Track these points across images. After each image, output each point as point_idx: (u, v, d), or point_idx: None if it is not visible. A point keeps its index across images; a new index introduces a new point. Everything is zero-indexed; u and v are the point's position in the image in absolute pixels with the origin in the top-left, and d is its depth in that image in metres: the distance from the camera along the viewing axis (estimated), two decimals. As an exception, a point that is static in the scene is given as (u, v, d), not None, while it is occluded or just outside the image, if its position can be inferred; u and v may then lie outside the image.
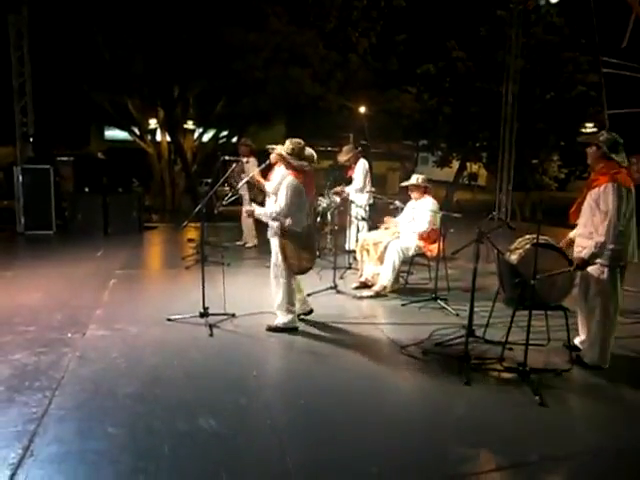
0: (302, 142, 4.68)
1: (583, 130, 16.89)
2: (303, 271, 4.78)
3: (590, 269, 4.05)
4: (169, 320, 4.96)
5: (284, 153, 4.62)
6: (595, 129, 16.94)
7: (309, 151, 4.72)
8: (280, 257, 4.68)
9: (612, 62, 8.68)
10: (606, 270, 4.01)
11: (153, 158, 16.08)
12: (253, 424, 3.30)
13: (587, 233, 4.05)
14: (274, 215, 4.60)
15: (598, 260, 3.97)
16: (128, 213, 10.26)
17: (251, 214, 4.87)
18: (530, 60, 14.28)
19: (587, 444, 3.22)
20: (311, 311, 5.12)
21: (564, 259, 4.08)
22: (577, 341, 4.41)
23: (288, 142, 4.67)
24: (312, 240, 4.81)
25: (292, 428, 3.26)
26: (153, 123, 16.03)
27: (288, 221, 4.58)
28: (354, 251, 6.78)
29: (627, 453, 3.10)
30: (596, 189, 4.00)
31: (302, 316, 5.04)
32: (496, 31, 14.69)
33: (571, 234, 4.32)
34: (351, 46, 15.84)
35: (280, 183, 4.67)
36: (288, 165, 4.64)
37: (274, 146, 4.79)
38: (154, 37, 12.42)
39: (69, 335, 4.59)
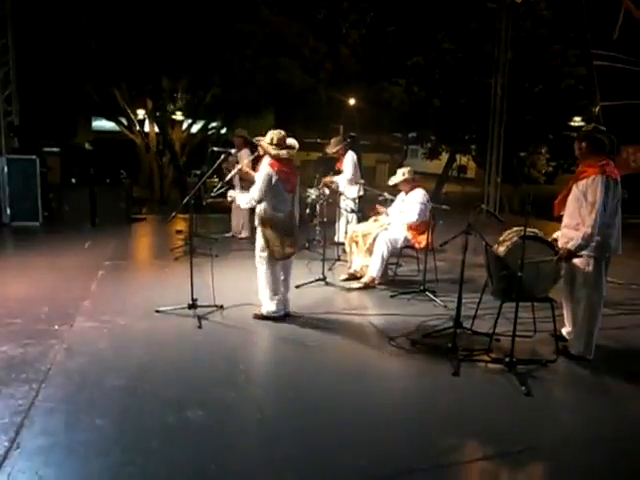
0: (283, 132, 4.79)
1: (571, 123, 17.00)
2: (285, 257, 4.82)
3: (576, 260, 4.09)
4: (157, 312, 4.94)
5: (263, 143, 4.73)
6: (583, 122, 17.05)
7: (290, 141, 4.80)
8: (262, 244, 4.74)
9: (604, 54, 8.73)
10: (592, 261, 4.06)
11: (141, 149, 15.94)
12: (242, 417, 3.30)
13: (574, 224, 4.08)
14: (247, 200, 4.76)
15: (584, 252, 4.01)
16: (116, 204, 10.16)
17: (233, 199, 5.11)
18: (519, 53, 14.31)
19: (572, 434, 3.27)
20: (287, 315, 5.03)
21: (551, 251, 4.11)
22: (564, 332, 4.46)
23: (269, 132, 4.79)
24: (293, 226, 4.87)
25: (281, 420, 3.27)
26: (141, 114, 15.88)
27: (263, 206, 4.68)
28: (343, 243, 6.79)
29: (612, 443, 3.15)
30: (584, 180, 4.02)
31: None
32: (486, 24, 14.69)
33: (556, 234, 4.35)
34: (341, 37, 15.78)
35: None
36: (268, 154, 4.73)
37: (260, 138, 4.83)
38: (142, 26, 12.27)
39: (56, 327, 4.56)
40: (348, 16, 15.99)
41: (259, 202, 4.70)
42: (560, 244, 4.16)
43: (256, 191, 4.67)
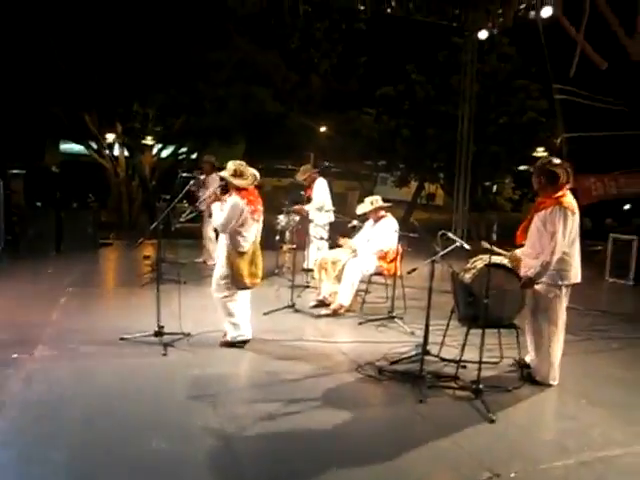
0: (243, 163, 4.83)
1: (535, 154, 17.53)
2: (249, 286, 4.82)
3: (538, 288, 4.19)
4: (122, 339, 4.83)
5: (226, 175, 4.75)
6: (546, 153, 17.62)
7: (251, 170, 4.83)
8: (225, 272, 4.72)
9: (564, 89, 9.13)
10: (552, 289, 4.16)
11: (110, 173, 15.75)
12: (208, 447, 3.22)
13: (534, 254, 4.20)
14: (216, 225, 4.79)
15: (544, 279, 4.12)
16: (83, 229, 9.96)
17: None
18: (485, 86, 14.80)
19: (537, 461, 3.29)
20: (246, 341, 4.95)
21: (516, 278, 4.21)
22: (527, 359, 4.53)
23: (230, 164, 4.81)
24: (259, 256, 4.88)
25: (248, 450, 3.21)
26: (111, 138, 15.75)
27: (231, 235, 4.68)
28: (312, 270, 6.80)
29: (574, 469, 3.18)
30: (543, 211, 4.17)
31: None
32: (453, 57, 15.18)
33: (517, 252, 4.47)
34: (313, 66, 16.06)
35: None
36: (231, 185, 4.76)
37: (222, 173, 4.86)
38: (113, 50, 12.25)
39: (14, 355, 4.39)
40: (320, 46, 16.29)
41: (225, 231, 4.70)
42: (521, 273, 4.27)
43: (224, 219, 4.67)
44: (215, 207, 4.90)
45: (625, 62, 8.34)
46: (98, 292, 7.20)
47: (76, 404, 3.60)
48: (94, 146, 15.66)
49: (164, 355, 4.54)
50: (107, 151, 15.51)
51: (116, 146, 15.97)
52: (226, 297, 4.79)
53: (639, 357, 5.25)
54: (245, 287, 4.80)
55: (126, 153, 15.70)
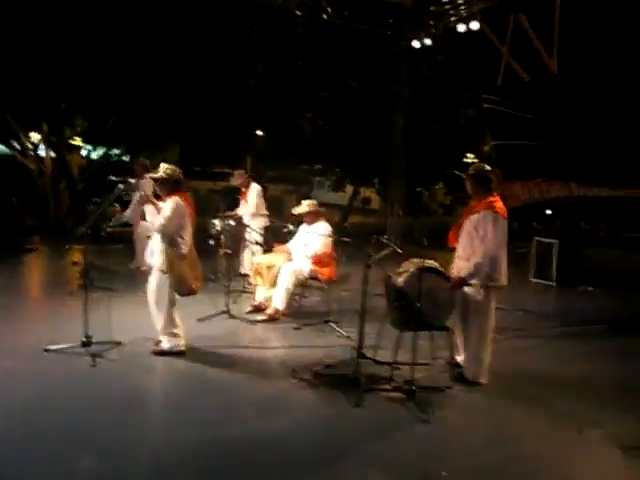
0: (172, 166, 4.78)
1: (465, 160, 18.23)
2: (194, 291, 4.72)
3: (467, 290, 4.35)
4: (46, 351, 4.59)
5: (164, 175, 4.66)
6: (476, 159, 18.36)
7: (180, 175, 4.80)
8: (165, 278, 4.59)
9: (491, 99, 9.56)
10: (482, 291, 4.33)
11: (35, 174, 14.99)
12: (138, 461, 3.11)
13: (466, 256, 4.37)
14: (157, 226, 4.58)
15: (474, 281, 4.28)
16: (4, 234, 9.43)
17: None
18: (418, 93, 15.22)
19: (468, 458, 3.40)
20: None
21: (447, 282, 4.35)
22: (459, 359, 4.69)
23: (165, 166, 4.73)
24: (197, 260, 4.82)
25: (179, 462, 3.13)
26: (36, 138, 15.00)
27: (172, 239, 4.56)
28: (248, 275, 6.74)
29: (504, 464, 3.32)
30: (475, 215, 4.34)
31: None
32: (387, 65, 15.52)
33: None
34: (249, 70, 15.94)
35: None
36: (165, 187, 4.70)
37: (153, 175, 4.78)
38: (37, 47, 11.68)
39: None
40: (256, 49, 16.21)
41: (165, 231, 4.55)
42: (454, 274, 4.42)
43: (166, 220, 4.53)
44: (149, 210, 4.77)
45: (545, 76, 8.85)
46: (22, 301, 6.80)
47: (-5, 421, 3.40)
48: (17, 146, 14.87)
49: (92, 366, 4.36)
50: (32, 152, 14.77)
51: (41, 146, 15.23)
52: (167, 304, 4.64)
53: (560, 354, 5.56)
54: (190, 292, 4.69)
55: (52, 154, 15.00)
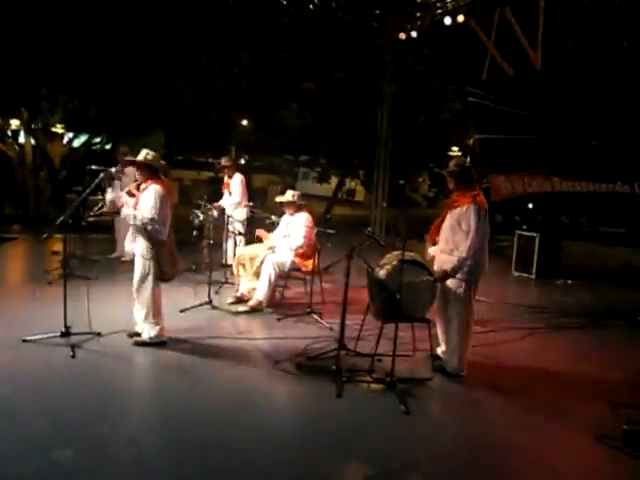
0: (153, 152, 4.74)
1: (450, 153, 18.31)
2: (173, 277, 4.77)
3: (449, 283, 4.38)
4: (25, 341, 4.52)
5: (144, 160, 4.62)
6: (461, 152, 18.46)
7: (162, 162, 4.78)
8: (148, 266, 4.57)
9: (476, 92, 9.61)
10: (463, 284, 4.36)
11: (15, 162, 14.72)
12: (117, 455, 3.09)
13: (448, 250, 4.38)
14: (145, 220, 4.48)
15: (457, 274, 4.31)
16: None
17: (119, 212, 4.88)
18: (403, 86, 15.21)
19: (448, 449, 3.44)
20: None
21: (429, 275, 4.38)
22: (439, 351, 4.73)
23: (146, 151, 4.69)
24: (174, 246, 4.81)
25: (160, 455, 3.12)
26: (15, 124, 14.72)
27: (155, 227, 4.50)
28: (231, 265, 6.71)
29: (482, 454, 3.37)
30: (458, 209, 4.36)
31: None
32: (373, 56, 15.47)
33: (430, 250, 4.65)
34: (234, 59, 15.78)
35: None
36: (147, 172, 4.65)
37: (132, 158, 4.74)
38: (16, 30, 11.42)
39: None
40: (242, 38, 16.04)
41: (154, 222, 4.49)
42: (436, 268, 4.45)
43: (152, 210, 4.48)
44: (128, 202, 4.71)
45: (529, 71, 8.90)
46: (-1, 290, 6.71)
47: (-29, 413, 3.35)
48: (-5, 133, 14.58)
49: (72, 357, 4.32)
50: (11, 139, 14.49)
51: (21, 133, 14.96)
52: (151, 293, 4.62)
53: (540, 346, 5.63)
54: (169, 277, 4.70)
55: (33, 141, 14.74)
